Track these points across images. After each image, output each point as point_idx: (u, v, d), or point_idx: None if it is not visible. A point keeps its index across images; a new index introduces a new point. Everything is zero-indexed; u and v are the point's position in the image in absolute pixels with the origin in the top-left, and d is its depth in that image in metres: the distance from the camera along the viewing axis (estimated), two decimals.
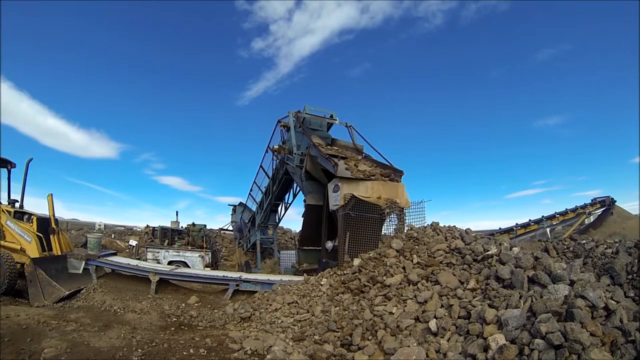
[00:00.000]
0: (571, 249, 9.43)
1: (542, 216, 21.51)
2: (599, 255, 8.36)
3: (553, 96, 74.13)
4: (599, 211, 21.78)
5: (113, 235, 24.07)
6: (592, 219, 21.86)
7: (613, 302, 4.16)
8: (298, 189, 14.44)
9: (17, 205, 11.09)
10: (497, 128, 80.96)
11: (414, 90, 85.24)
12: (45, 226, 10.17)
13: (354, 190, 9.32)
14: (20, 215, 10.53)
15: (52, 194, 10.38)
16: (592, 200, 21.91)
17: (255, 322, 7.34)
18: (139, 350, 5.57)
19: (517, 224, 21.89)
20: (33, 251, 9.63)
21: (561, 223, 21.38)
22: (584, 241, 9.65)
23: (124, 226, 29.59)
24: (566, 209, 21.63)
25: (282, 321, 7.05)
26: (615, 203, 21.34)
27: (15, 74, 73.17)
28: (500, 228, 22.01)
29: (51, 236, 10.17)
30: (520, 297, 4.91)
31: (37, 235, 9.82)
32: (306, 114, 12.87)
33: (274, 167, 14.70)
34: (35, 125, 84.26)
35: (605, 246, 8.80)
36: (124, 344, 5.85)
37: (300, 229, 13.39)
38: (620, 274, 5.82)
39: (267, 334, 6.57)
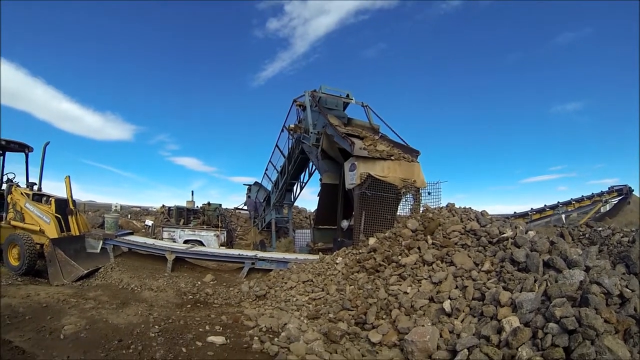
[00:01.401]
0: (587, 235, 9.29)
1: (558, 202, 21.28)
2: (614, 244, 8.24)
3: (571, 82, 72.11)
4: (616, 200, 21.41)
5: (129, 215, 24.44)
6: (608, 207, 21.51)
7: (628, 290, 4.05)
8: (314, 168, 14.38)
9: (35, 188, 11.29)
10: (514, 112, 79.39)
11: (429, 71, 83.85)
12: (63, 207, 10.34)
13: (370, 170, 9.24)
14: (38, 197, 10.73)
15: (69, 176, 10.54)
16: (609, 188, 21.56)
17: (271, 300, 7.38)
18: (156, 326, 5.64)
19: (532, 208, 21.69)
20: (52, 232, 9.82)
21: (577, 210, 21.11)
22: (600, 228, 9.51)
23: (140, 207, 30.01)
24: (582, 196, 21.33)
25: (297, 299, 7.06)
26: (633, 192, 20.95)
27: (30, 60, 73.88)
28: (515, 212, 21.83)
29: (69, 217, 10.33)
30: (535, 281, 4.83)
31: (56, 217, 10.00)
32: (322, 93, 12.73)
33: (290, 146, 14.63)
34: (51, 110, 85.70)
35: (621, 234, 8.66)
36: (141, 320, 5.93)
37: (316, 207, 13.39)
38: (636, 262, 5.69)
39: (282, 311, 6.58)
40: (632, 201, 20.59)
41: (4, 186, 11.20)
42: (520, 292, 4.68)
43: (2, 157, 11.68)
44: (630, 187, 20.96)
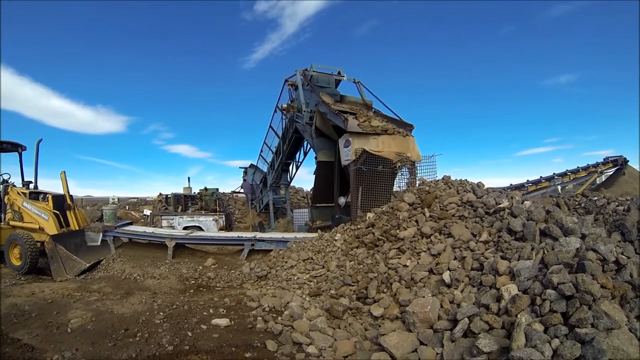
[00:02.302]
0: (582, 205, 9.36)
1: (554, 173, 21.31)
2: (610, 212, 8.29)
3: (565, 54, 71.10)
4: (611, 171, 21.44)
5: (127, 207, 24.41)
6: (603, 178, 21.57)
7: (624, 256, 4.10)
8: (309, 147, 14.32)
9: (31, 186, 11.29)
10: (507, 85, 78.60)
11: (421, 46, 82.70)
12: (61, 203, 10.33)
13: (364, 145, 9.26)
14: (35, 195, 10.72)
15: (64, 171, 10.48)
16: (604, 159, 21.53)
17: (272, 280, 7.46)
18: (161, 313, 5.74)
19: (528, 180, 21.74)
20: (51, 228, 9.83)
21: (572, 181, 21.12)
22: (596, 198, 9.57)
23: (137, 198, 29.96)
24: (578, 167, 21.35)
25: (298, 278, 7.14)
26: (628, 163, 20.96)
27: (15, 59, 72.71)
28: (511, 184, 21.81)
29: (67, 212, 10.34)
30: (532, 249, 4.89)
31: (54, 213, 9.99)
32: (313, 71, 12.59)
33: (284, 126, 14.55)
34: (40, 107, 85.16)
35: (616, 203, 8.72)
36: (146, 308, 6.02)
37: (313, 186, 13.42)
38: (632, 230, 5.70)
39: (284, 290, 6.67)
40: (628, 172, 20.62)
41: (0, 187, 11.19)
42: (518, 260, 4.73)
43: None
44: (625, 158, 20.97)
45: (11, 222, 10.59)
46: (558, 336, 3.33)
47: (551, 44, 72.12)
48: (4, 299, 6.65)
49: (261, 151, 17.51)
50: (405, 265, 6.14)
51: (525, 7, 69.89)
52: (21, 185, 11.35)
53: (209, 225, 14.82)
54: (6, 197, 10.75)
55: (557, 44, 71.89)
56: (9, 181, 11.34)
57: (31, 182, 11.43)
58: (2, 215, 10.86)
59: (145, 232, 10.58)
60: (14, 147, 11.66)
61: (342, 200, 11.07)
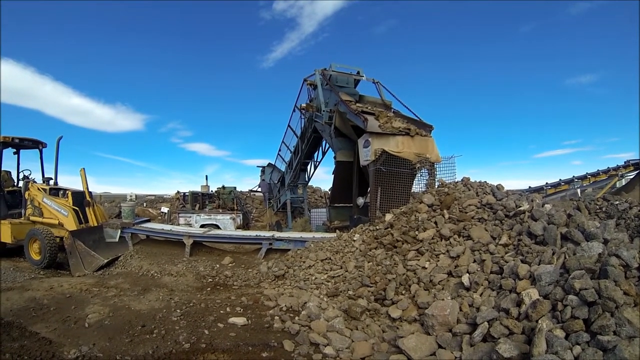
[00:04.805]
0: (604, 209, 9.15)
1: (573, 176, 20.91)
2: (632, 217, 8.10)
3: (587, 53, 69.32)
4: (632, 174, 20.86)
5: (145, 204, 24.57)
6: (624, 181, 21.00)
7: None
8: (327, 146, 14.27)
9: (51, 182, 11.44)
10: (526, 85, 76.99)
11: (441, 45, 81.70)
12: (80, 199, 10.45)
13: (384, 145, 9.16)
14: (55, 191, 10.86)
15: (84, 168, 10.61)
16: (625, 162, 20.97)
17: (289, 280, 7.40)
18: (178, 310, 5.72)
19: (547, 183, 21.39)
20: (70, 224, 9.95)
21: (592, 184, 20.67)
22: (617, 202, 9.34)
23: (155, 195, 30.15)
24: (598, 170, 20.87)
25: (315, 278, 7.07)
26: None
27: (36, 58, 73.98)
28: (530, 187, 21.47)
29: (86, 208, 10.45)
30: (554, 254, 4.77)
31: (73, 209, 10.11)
32: (332, 71, 12.55)
33: (302, 125, 14.51)
34: (60, 105, 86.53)
35: (639, 208, 8.50)
36: (162, 305, 6.02)
37: (331, 186, 13.35)
38: None
39: (302, 290, 6.60)
40: None
41: (21, 183, 11.38)
42: (539, 264, 4.61)
43: (17, 155, 11.85)
44: None
45: (31, 218, 10.76)
46: (579, 343, 3.26)
47: (572, 43, 70.38)
48: (23, 293, 6.72)
49: (279, 150, 17.53)
50: (424, 267, 6.05)
51: (546, 5, 68.24)
52: (41, 182, 11.50)
53: (226, 224, 14.88)
54: (27, 192, 10.93)
55: (578, 42, 70.14)
56: (30, 177, 11.52)
57: (51, 179, 11.56)
58: (23, 211, 11.04)
59: (163, 229, 10.64)
60: (35, 144, 11.85)
61: (360, 201, 10.99)
